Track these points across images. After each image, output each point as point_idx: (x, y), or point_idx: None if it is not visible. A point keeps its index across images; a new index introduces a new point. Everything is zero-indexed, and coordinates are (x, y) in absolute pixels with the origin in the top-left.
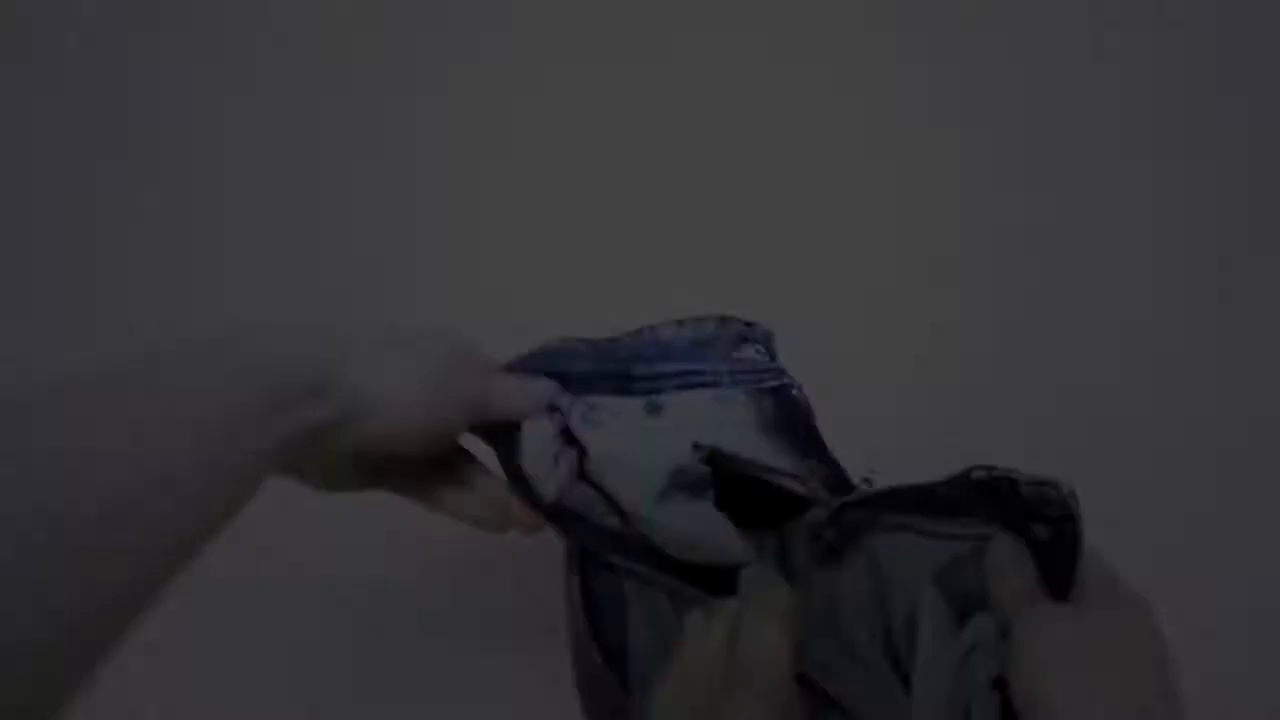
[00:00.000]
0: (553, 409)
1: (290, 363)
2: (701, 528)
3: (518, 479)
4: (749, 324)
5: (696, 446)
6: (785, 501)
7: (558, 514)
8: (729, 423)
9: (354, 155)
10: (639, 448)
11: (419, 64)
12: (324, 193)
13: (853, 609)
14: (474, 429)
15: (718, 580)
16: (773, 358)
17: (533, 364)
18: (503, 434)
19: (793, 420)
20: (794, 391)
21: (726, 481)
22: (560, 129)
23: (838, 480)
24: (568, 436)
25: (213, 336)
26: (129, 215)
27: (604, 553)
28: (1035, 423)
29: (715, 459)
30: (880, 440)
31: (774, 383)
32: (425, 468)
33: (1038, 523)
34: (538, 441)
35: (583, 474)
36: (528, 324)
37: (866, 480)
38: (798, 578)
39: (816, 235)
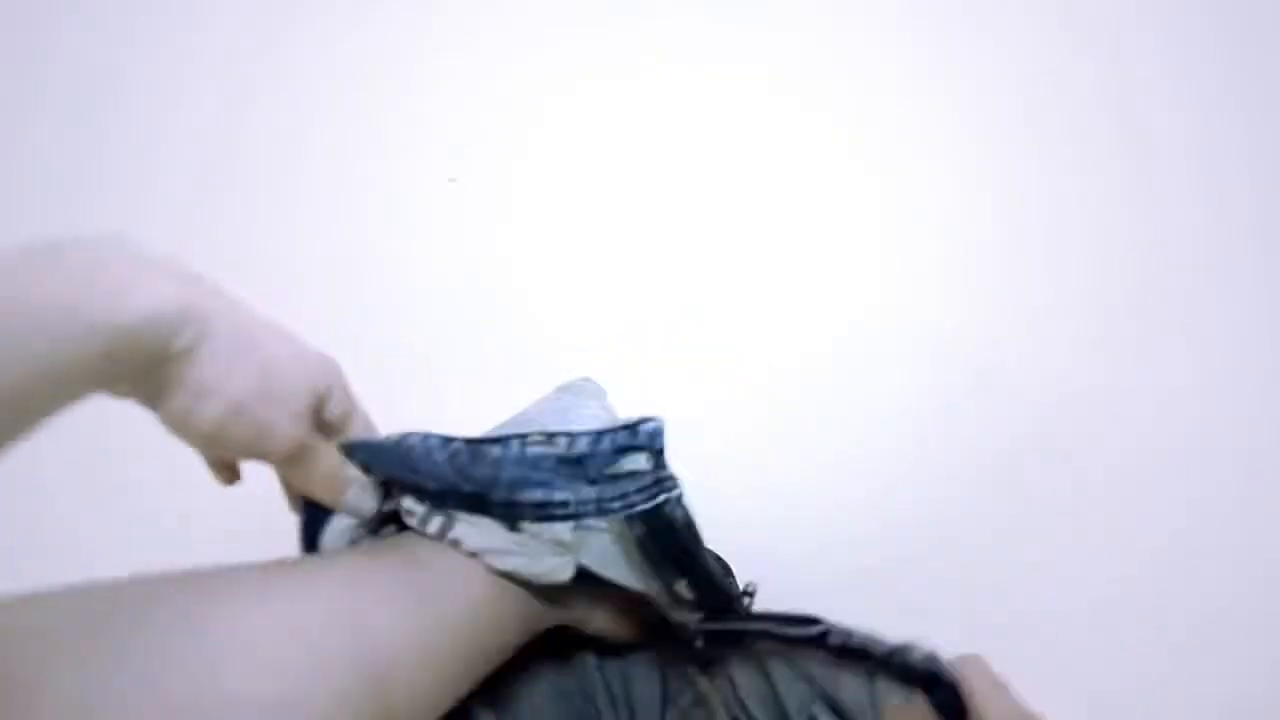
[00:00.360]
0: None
1: (134, 334)
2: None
3: (310, 548)
4: (633, 427)
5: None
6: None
7: None
8: (592, 546)
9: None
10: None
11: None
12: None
13: (757, 700)
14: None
15: None
16: (659, 454)
17: (385, 463)
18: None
19: (664, 543)
20: (671, 508)
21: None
22: (568, 144)
23: (711, 598)
24: (374, 525)
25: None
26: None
27: None
28: (1033, 428)
29: (580, 573)
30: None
31: (646, 505)
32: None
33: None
34: (345, 528)
35: None
36: (531, 327)
37: (747, 594)
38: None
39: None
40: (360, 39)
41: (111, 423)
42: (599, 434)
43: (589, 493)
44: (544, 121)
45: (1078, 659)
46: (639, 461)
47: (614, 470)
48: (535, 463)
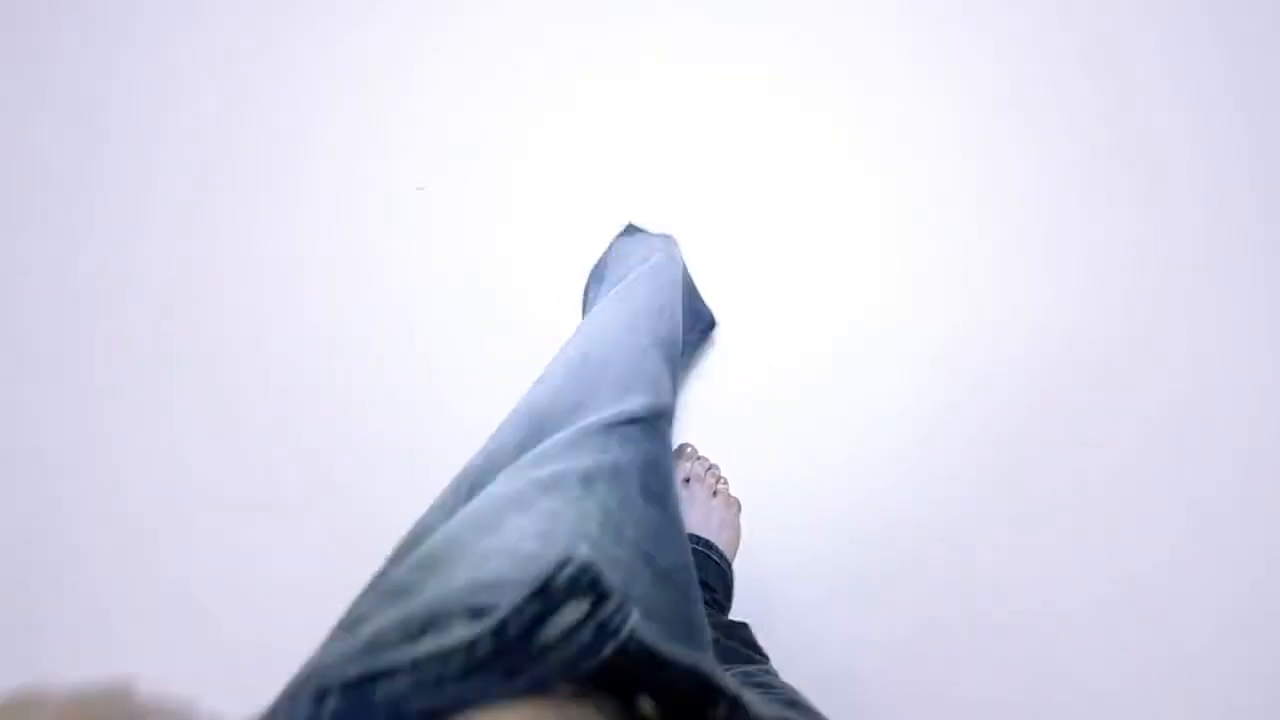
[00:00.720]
0: None
1: None
2: None
3: None
4: (544, 589)
5: None
6: None
7: None
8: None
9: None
10: None
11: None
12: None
13: None
14: None
15: None
16: (593, 586)
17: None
18: None
19: (622, 674)
20: (624, 646)
21: None
22: (568, 144)
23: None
24: None
25: None
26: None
27: None
28: (1033, 428)
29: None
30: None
31: (593, 663)
32: None
33: None
34: None
35: None
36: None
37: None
38: None
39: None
40: (360, 39)
41: (113, 423)
42: (500, 625)
43: (520, 682)
44: (544, 122)
45: (1078, 659)
46: (573, 612)
47: (543, 642)
48: (438, 682)
